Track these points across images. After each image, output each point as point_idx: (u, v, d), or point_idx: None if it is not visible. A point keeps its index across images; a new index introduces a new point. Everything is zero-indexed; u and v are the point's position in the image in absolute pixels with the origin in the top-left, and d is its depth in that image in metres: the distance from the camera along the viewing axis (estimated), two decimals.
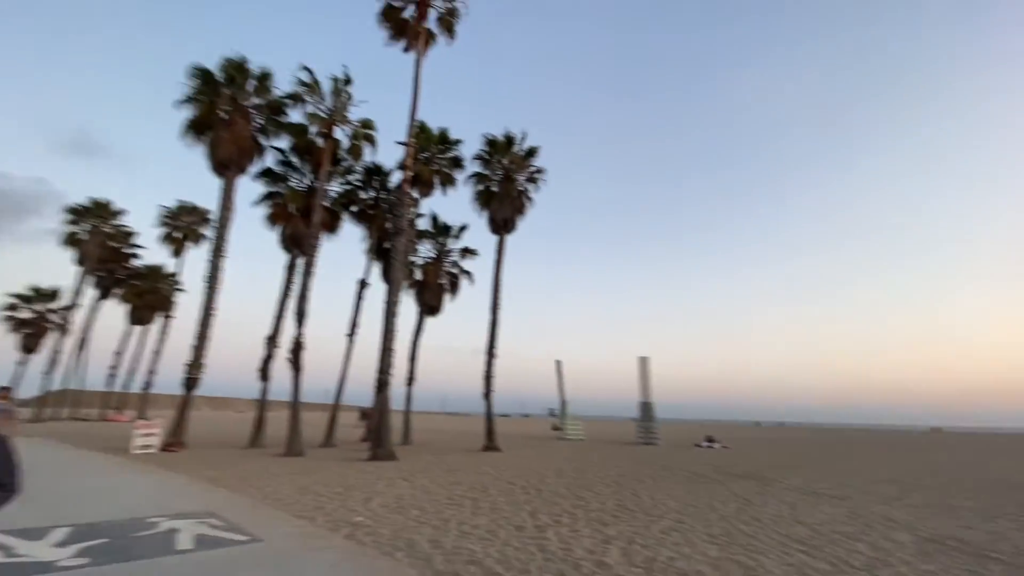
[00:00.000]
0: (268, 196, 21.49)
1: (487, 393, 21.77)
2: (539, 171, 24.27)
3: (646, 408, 29.51)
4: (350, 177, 23.29)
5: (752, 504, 9.42)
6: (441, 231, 26.31)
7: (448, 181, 24.15)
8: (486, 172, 24.24)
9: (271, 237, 28.44)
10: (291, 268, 21.12)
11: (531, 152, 24.03)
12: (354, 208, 23.65)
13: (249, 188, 63.94)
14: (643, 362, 29.54)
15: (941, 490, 11.91)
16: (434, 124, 23.80)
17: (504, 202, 23.45)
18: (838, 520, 8.15)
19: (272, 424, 20.81)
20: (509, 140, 23.86)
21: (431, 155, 23.65)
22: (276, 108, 20.33)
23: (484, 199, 24.07)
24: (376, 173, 23.73)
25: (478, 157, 24.18)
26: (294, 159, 21.40)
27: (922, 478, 14.46)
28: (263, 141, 20.52)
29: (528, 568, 5.15)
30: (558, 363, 33.61)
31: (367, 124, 21.43)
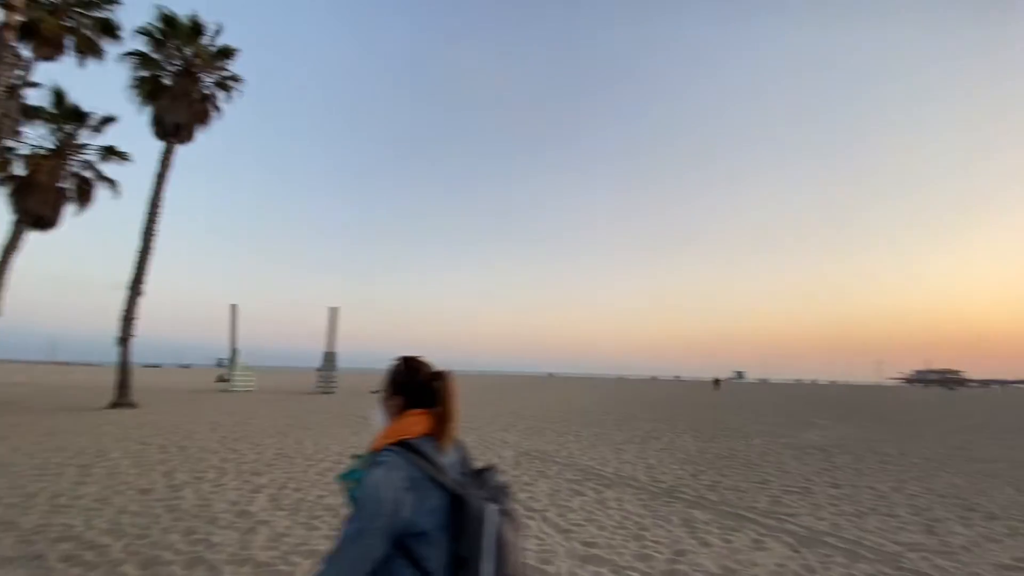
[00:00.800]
0: None
1: (124, 338, 17.37)
2: (235, 78, 20.30)
3: (328, 358, 29.35)
4: None
5: None
6: (69, 115, 19.01)
7: (90, 49, 17.54)
8: (156, 57, 18.73)
9: None
10: None
11: (226, 52, 19.81)
12: None
13: None
14: (333, 312, 29.14)
15: (539, 418, 16.29)
16: None
17: (179, 102, 18.69)
18: (471, 444, 10.14)
19: None
20: (196, 27, 19.02)
21: (65, 2, 16.65)
22: None
23: (148, 91, 18.60)
24: None
25: (146, 33, 18.41)
26: None
27: (529, 410, 19.42)
28: None
29: (148, 532, 4.53)
30: (233, 307, 29.62)
31: None
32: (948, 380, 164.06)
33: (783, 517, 5.58)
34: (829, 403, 31.84)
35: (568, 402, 25.70)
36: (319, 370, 29.47)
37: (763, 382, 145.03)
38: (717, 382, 63.00)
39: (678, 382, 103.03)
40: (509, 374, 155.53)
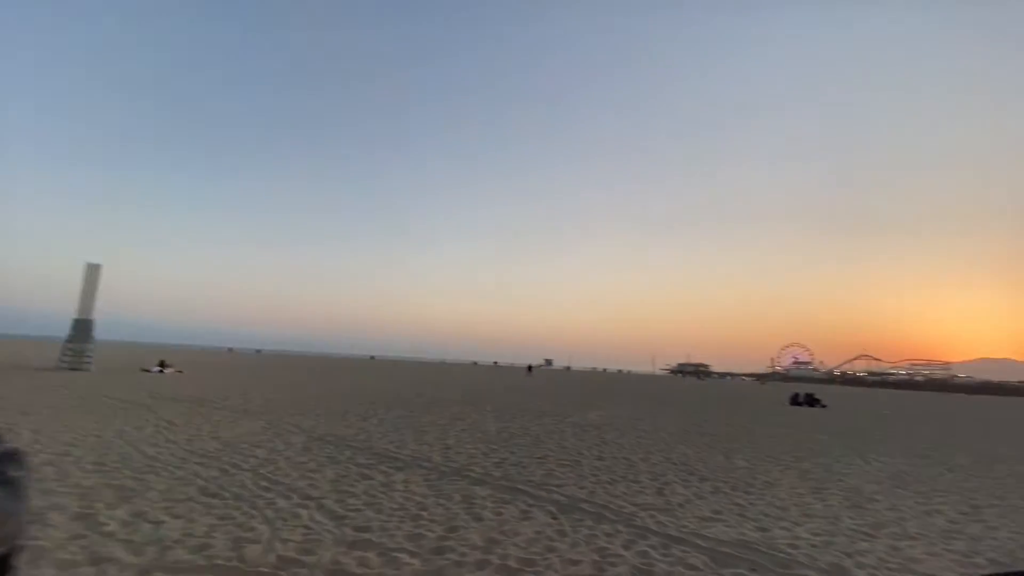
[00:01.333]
0: None
1: None
2: None
3: (81, 327, 23.50)
4: None
5: (174, 426, 9.12)
6: None
7: None
8: None
9: None
10: None
11: None
12: None
13: None
14: (91, 270, 23.37)
15: (345, 401, 15.49)
16: None
17: None
18: (255, 432, 9.07)
19: None
20: None
21: None
22: None
23: None
24: None
25: None
26: None
27: (337, 393, 18.39)
28: None
29: None
30: None
31: None
32: (699, 372, 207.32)
33: (552, 488, 6.19)
34: (613, 388, 37.21)
35: (382, 385, 25.09)
36: (68, 342, 23.38)
37: (567, 369, 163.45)
38: (530, 368, 68.72)
39: (495, 367, 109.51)
40: (329, 356, 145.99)
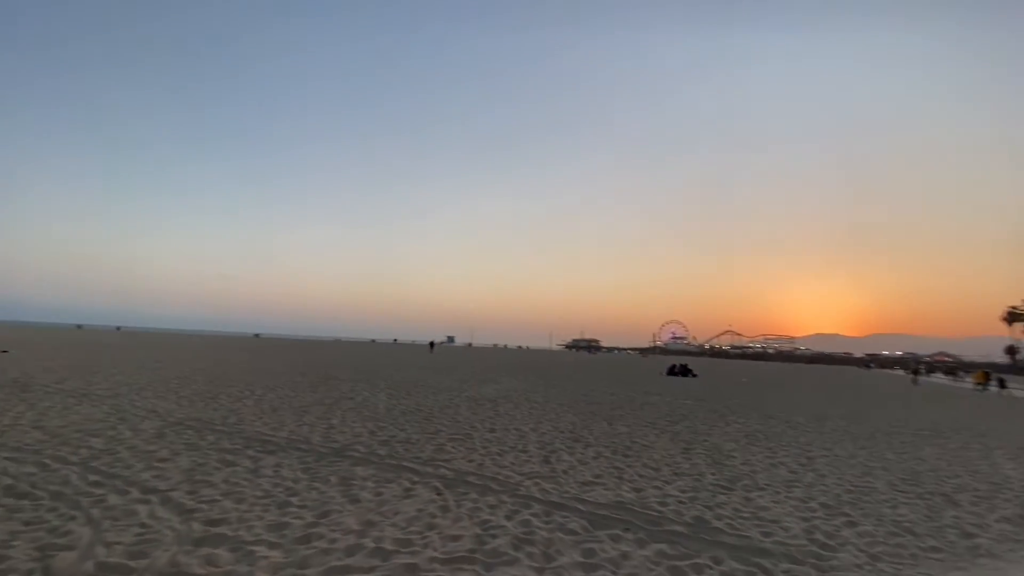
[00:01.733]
0: None
1: None
2: None
3: None
4: None
5: None
6: None
7: None
8: None
9: None
10: None
11: None
12: None
13: None
14: None
15: (217, 382, 13.96)
16: None
17: None
18: (94, 418, 7.74)
19: None
20: None
21: None
22: None
23: None
24: None
25: None
26: None
27: (211, 372, 16.54)
28: None
29: None
30: None
31: None
32: (591, 347, 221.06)
33: (440, 463, 6.01)
34: (512, 363, 38.12)
35: (264, 364, 23.09)
36: None
37: (469, 346, 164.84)
38: (432, 345, 67.95)
39: (395, 345, 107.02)
40: (206, 334, 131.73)
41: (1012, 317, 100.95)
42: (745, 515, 4.75)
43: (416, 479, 5.29)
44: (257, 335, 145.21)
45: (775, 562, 3.74)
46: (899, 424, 12.59)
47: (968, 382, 45.54)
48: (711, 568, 3.56)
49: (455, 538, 3.77)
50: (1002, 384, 32.54)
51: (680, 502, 5.03)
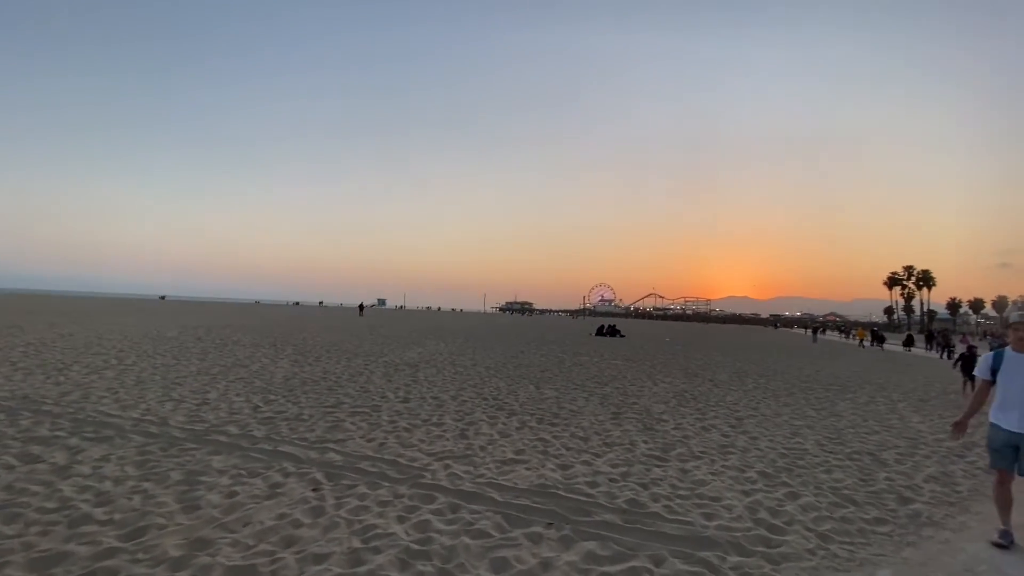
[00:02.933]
0: None
1: None
2: None
3: None
4: None
5: None
6: None
7: None
8: None
9: None
10: None
11: None
12: None
13: None
14: None
15: (71, 351, 11.75)
16: None
17: None
18: None
19: None
20: None
21: None
22: None
23: None
24: None
25: None
26: None
27: (86, 340, 14.07)
28: None
29: None
30: None
31: None
32: (525, 309, 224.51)
33: (330, 446, 4.94)
34: (443, 325, 37.05)
35: (160, 327, 20.31)
36: None
37: (400, 309, 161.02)
38: (361, 308, 64.95)
39: (320, 308, 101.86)
40: (99, 295, 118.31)
41: (892, 282, 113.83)
42: (683, 492, 4.15)
43: (292, 469, 4.19)
44: (163, 297, 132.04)
45: (722, 555, 3.11)
46: (810, 379, 13.09)
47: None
48: (651, 573, 2.85)
49: (319, 558, 2.77)
50: (881, 340, 36.17)
51: (612, 480, 4.35)
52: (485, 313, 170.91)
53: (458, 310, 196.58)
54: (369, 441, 5.16)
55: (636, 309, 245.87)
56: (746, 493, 4.24)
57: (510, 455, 4.92)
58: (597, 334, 31.64)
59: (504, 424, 6.22)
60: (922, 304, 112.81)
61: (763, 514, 3.80)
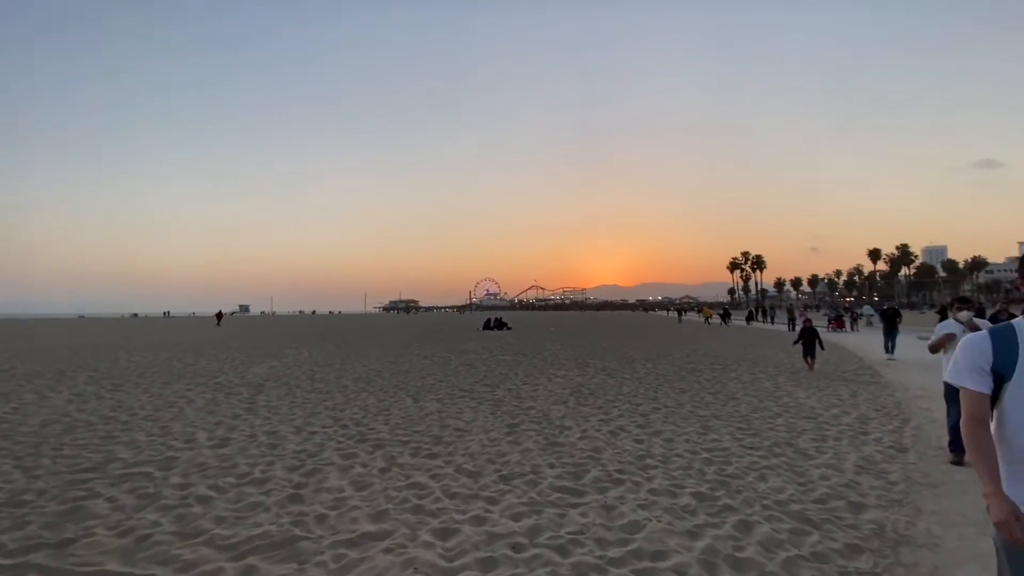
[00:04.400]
0: None
1: None
2: None
3: None
4: None
5: None
6: None
7: None
8: None
9: None
10: None
11: None
12: None
13: None
14: None
15: None
16: None
17: None
18: None
19: None
20: None
21: None
22: None
23: None
24: None
25: None
26: None
27: None
28: None
29: None
30: None
31: None
32: (410, 307, 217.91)
33: (37, 557, 2.83)
34: (314, 330, 33.14)
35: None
36: None
37: (265, 314, 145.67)
38: (220, 316, 56.42)
39: (166, 319, 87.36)
40: None
41: (733, 266, 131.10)
42: (615, 551, 2.91)
43: None
44: None
45: None
46: (692, 360, 13.21)
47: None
48: None
49: None
50: (728, 317, 40.28)
51: (516, 548, 2.95)
52: (366, 314, 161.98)
53: (336, 312, 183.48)
54: (122, 535, 3.13)
55: (520, 301, 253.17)
56: (692, 534, 3.13)
57: (364, 525, 3.28)
58: (484, 328, 30.65)
59: (363, 467, 4.51)
60: (756, 284, 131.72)
61: (726, 573, 2.70)
